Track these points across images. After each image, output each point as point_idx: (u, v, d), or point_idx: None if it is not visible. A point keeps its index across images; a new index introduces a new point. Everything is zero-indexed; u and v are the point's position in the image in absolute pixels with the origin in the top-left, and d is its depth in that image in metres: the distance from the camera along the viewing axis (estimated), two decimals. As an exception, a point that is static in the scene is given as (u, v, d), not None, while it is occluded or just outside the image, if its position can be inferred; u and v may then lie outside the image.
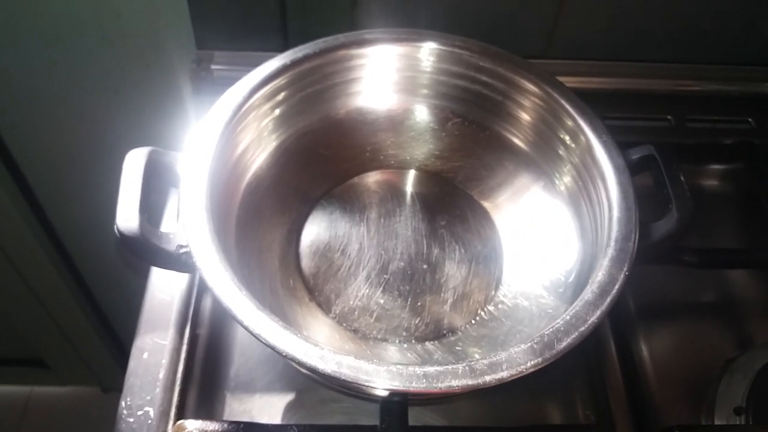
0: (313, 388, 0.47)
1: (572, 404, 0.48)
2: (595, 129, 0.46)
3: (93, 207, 0.81)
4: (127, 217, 0.40)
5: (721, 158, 0.63)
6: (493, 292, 0.48)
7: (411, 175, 0.55)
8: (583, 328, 0.37)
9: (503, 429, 0.42)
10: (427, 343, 0.46)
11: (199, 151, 0.42)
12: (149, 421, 0.43)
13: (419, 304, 0.48)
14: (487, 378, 0.34)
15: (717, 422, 0.47)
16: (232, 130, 0.44)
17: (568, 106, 0.46)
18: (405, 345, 0.46)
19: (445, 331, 0.47)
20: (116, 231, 0.40)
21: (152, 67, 0.66)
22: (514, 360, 0.35)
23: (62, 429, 1.18)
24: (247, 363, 0.48)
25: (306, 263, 0.49)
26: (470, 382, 0.34)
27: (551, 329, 0.36)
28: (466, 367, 0.34)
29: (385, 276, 0.49)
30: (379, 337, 0.46)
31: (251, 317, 0.36)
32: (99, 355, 1.10)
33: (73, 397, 1.20)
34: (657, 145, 0.48)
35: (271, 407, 0.47)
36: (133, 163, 0.42)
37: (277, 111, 0.49)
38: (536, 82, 0.48)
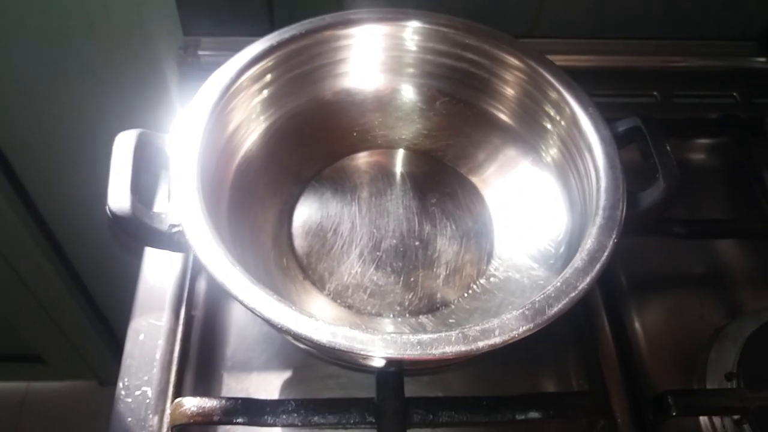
0: (310, 365, 0.48)
1: (566, 375, 0.49)
2: (580, 101, 0.46)
3: (83, 198, 0.80)
4: (118, 198, 0.40)
5: (707, 132, 0.64)
6: (484, 266, 0.49)
7: (400, 155, 0.55)
8: (573, 294, 0.37)
9: (497, 398, 0.43)
10: (420, 316, 0.47)
11: (188, 132, 0.43)
12: (147, 401, 0.44)
13: (412, 279, 0.48)
14: (480, 344, 0.35)
15: (708, 386, 0.48)
16: (221, 111, 0.45)
17: (552, 79, 0.47)
18: (399, 319, 0.46)
19: (438, 305, 0.47)
20: (108, 211, 0.40)
21: (139, 55, 0.66)
22: (506, 326, 0.36)
23: (60, 424, 1.18)
24: (243, 343, 0.49)
25: (299, 243, 0.50)
26: (463, 348, 0.35)
27: (542, 296, 0.37)
28: (459, 334, 0.35)
29: (378, 253, 0.50)
30: (373, 312, 0.47)
31: (246, 291, 0.36)
32: (95, 350, 1.10)
33: (71, 392, 1.20)
34: (641, 117, 0.49)
35: (268, 385, 0.47)
36: (123, 145, 0.42)
37: (266, 92, 0.49)
38: (521, 57, 0.49)
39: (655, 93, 0.65)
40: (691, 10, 0.65)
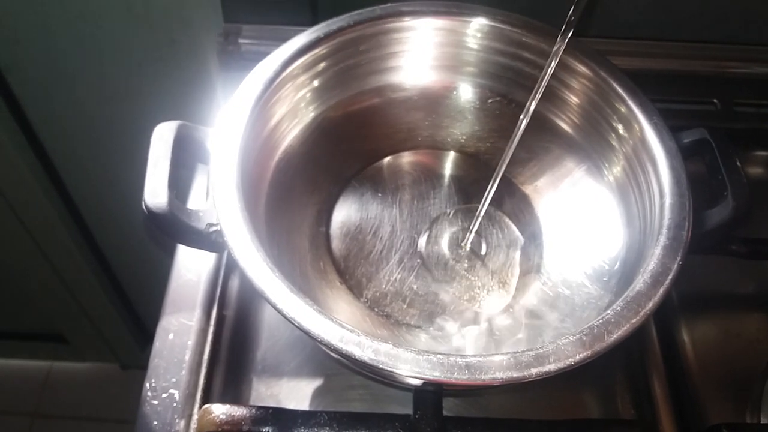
0: (342, 373, 0.46)
1: (611, 398, 0.46)
2: (645, 111, 0.43)
3: (114, 182, 0.80)
4: (155, 193, 0.38)
5: (770, 144, 0.60)
6: (532, 280, 0.46)
7: (446, 156, 0.53)
8: (635, 320, 0.35)
9: (542, 422, 0.40)
10: (462, 329, 0.44)
11: (231, 126, 0.40)
12: (174, 404, 0.42)
13: (454, 289, 0.46)
14: (534, 371, 0.32)
15: (764, 420, 0.45)
16: (265, 104, 0.43)
17: (621, 91, 0.44)
18: (440, 332, 0.44)
19: (481, 319, 0.45)
20: (144, 207, 0.38)
21: (178, 41, 0.64)
22: (562, 352, 0.33)
23: (81, 404, 1.18)
24: (274, 346, 0.47)
25: (336, 245, 0.48)
26: (515, 374, 0.32)
27: (601, 320, 0.34)
28: (511, 359, 0.33)
29: (419, 260, 0.47)
30: (412, 323, 0.44)
31: (285, 301, 0.34)
32: (118, 333, 1.10)
33: (92, 373, 1.20)
34: (708, 128, 0.46)
35: (298, 392, 0.45)
36: (162, 137, 0.41)
37: (316, 82, 0.47)
38: (583, 60, 0.46)
39: (714, 100, 0.61)
40: (757, 14, 0.61)
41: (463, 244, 0.48)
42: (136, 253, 0.94)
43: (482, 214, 0.46)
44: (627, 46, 0.62)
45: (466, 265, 0.47)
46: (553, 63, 0.40)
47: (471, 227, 0.48)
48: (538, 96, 0.41)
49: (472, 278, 0.47)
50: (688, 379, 0.47)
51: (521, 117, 0.42)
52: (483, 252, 0.48)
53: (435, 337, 0.44)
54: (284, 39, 0.46)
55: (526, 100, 0.49)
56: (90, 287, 0.97)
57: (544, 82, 0.40)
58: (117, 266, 0.99)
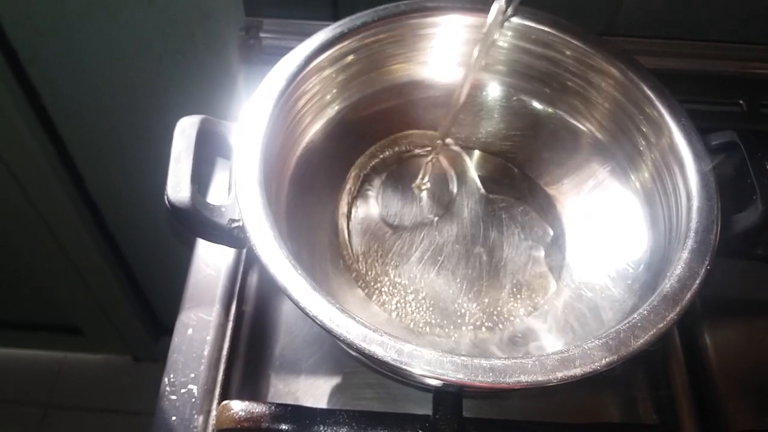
0: (360, 371, 0.46)
1: (633, 402, 0.45)
2: (674, 113, 0.42)
3: (132, 175, 0.80)
4: (178, 188, 0.38)
5: (796, 147, 0.59)
6: (554, 281, 0.46)
7: (469, 154, 0.52)
8: (661, 325, 0.34)
9: (562, 426, 0.40)
10: (483, 330, 0.44)
11: (254, 121, 0.40)
12: (193, 400, 0.42)
13: (475, 289, 0.45)
14: (559, 374, 0.32)
15: (788, 429, 0.44)
16: (289, 97, 0.42)
17: (647, 90, 0.43)
18: (459, 332, 0.44)
19: (502, 320, 0.44)
20: (166, 201, 0.38)
21: (198, 34, 0.64)
22: (587, 356, 0.33)
23: (94, 395, 1.19)
24: (292, 342, 0.47)
25: (357, 242, 0.47)
26: (540, 378, 0.32)
27: (627, 324, 0.34)
28: (536, 362, 0.32)
29: (439, 258, 0.47)
30: (432, 322, 0.44)
31: (308, 299, 0.34)
32: (132, 325, 1.10)
33: (106, 365, 1.21)
34: (736, 131, 0.45)
35: (316, 389, 0.45)
36: (185, 131, 0.40)
37: (340, 77, 0.46)
38: (611, 61, 0.45)
39: (740, 101, 0.60)
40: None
41: (484, 243, 0.47)
42: (151, 246, 0.94)
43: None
44: (651, 45, 0.61)
45: (487, 264, 0.47)
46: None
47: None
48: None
49: (493, 278, 0.46)
50: (711, 385, 0.46)
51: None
52: (505, 252, 0.47)
53: (455, 337, 0.44)
54: (305, 33, 0.45)
55: (549, 100, 0.49)
56: (105, 279, 0.98)
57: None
58: (132, 259, 1.00)
